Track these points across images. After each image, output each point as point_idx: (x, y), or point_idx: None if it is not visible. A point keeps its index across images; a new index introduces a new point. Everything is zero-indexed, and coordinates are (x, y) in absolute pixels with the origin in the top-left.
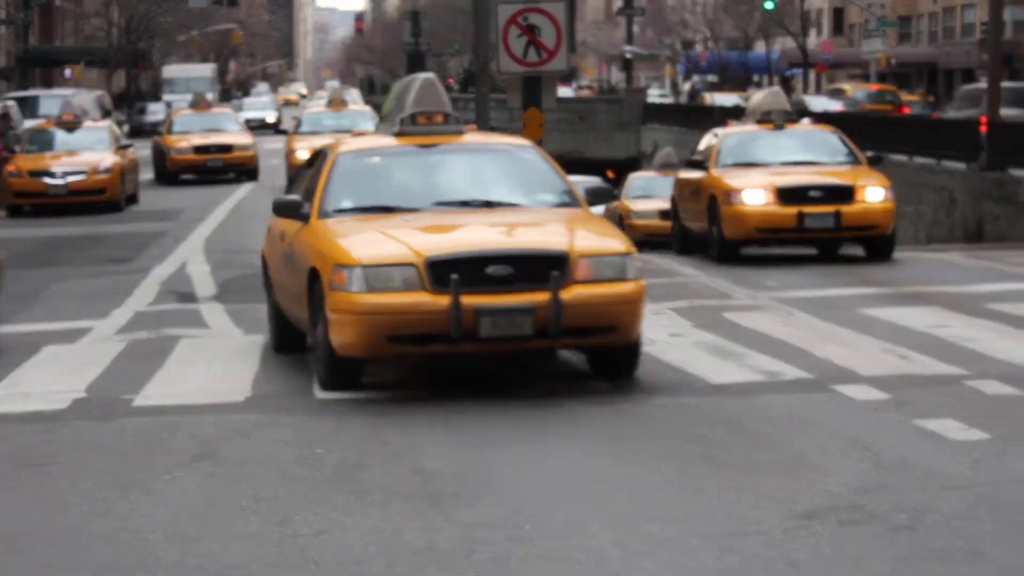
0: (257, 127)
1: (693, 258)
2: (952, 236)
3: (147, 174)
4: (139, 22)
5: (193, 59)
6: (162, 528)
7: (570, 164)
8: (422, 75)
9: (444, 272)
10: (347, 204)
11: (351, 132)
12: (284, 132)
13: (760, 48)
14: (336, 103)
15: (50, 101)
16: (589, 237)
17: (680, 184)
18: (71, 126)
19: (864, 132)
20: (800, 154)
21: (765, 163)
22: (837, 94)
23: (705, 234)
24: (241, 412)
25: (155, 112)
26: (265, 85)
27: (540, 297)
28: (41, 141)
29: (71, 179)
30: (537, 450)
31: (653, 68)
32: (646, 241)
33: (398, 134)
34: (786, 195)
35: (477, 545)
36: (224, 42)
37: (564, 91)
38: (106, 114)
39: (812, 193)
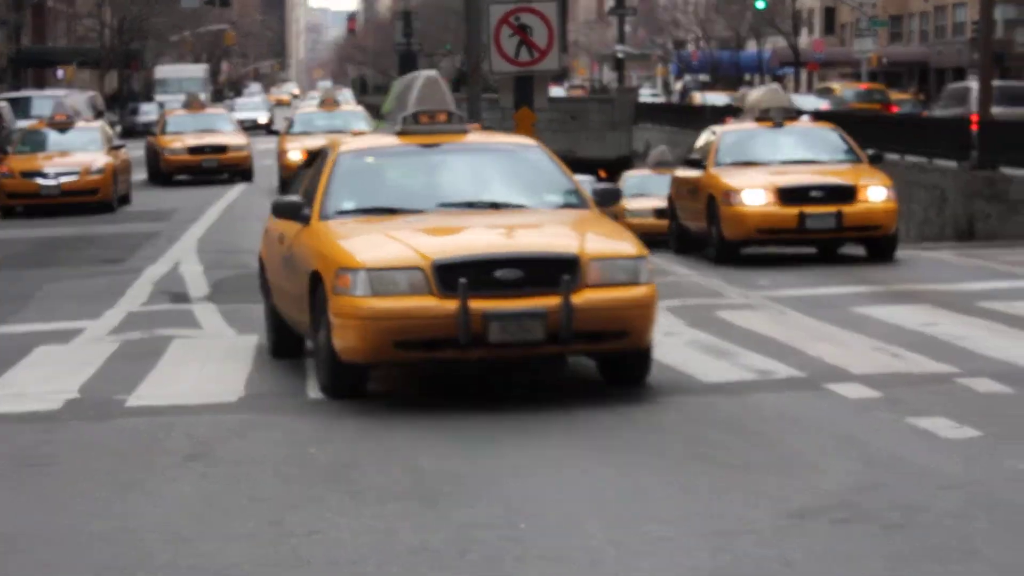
0: (249, 128)
1: (689, 257)
2: (943, 234)
3: (140, 175)
4: (132, 23)
5: (185, 59)
6: (159, 528)
7: None
8: (425, 72)
9: (452, 276)
10: (349, 205)
11: (343, 132)
12: (276, 133)
13: (752, 47)
14: (328, 103)
15: (42, 102)
16: (600, 239)
17: (677, 183)
18: (63, 127)
19: (854, 131)
20: (800, 152)
21: (764, 162)
22: (825, 93)
23: (704, 234)
24: (235, 412)
25: (147, 112)
26: (257, 85)
27: (551, 301)
28: (33, 142)
29: (63, 180)
30: (532, 450)
31: (645, 68)
32: (641, 240)
33: (400, 133)
34: (787, 195)
35: (471, 545)
36: (216, 43)
37: (556, 91)
38: (98, 115)
39: (813, 193)
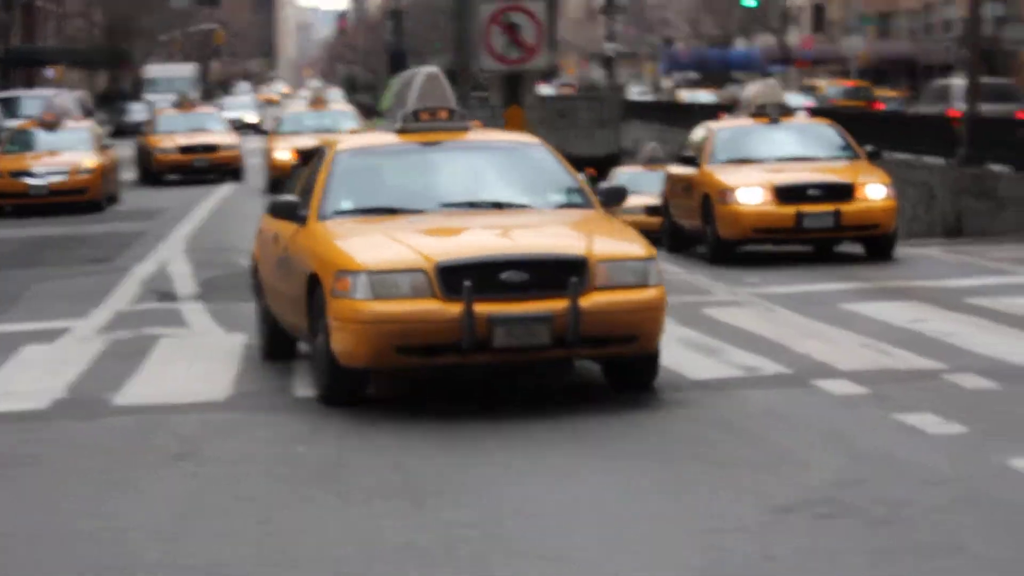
0: (238, 128)
1: (681, 255)
2: (932, 231)
3: (129, 174)
4: (121, 22)
5: (175, 59)
6: (146, 527)
7: None
8: (425, 69)
9: (455, 278)
10: (347, 205)
11: (332, 132)
12: (265, 132)
13: (741, 45)
14: (318, 102)
15: (32, 101)
16: (608, 241)
17: (671, 180)
18: (52, 126)
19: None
20: (796, 149)
21: (760, 159)
22: (809, 91)
23: (698, 232)
24: (222, 411)
25: (137, 112)
26: (247, 84)
27: (557, 305)
28: (22, 141)
29: (52, 179)
30: (519, 449)
31: (633, 65)
32: None
33: (400, 131)
34: (784, 194)
35: (458, 543)
36: (206, 42)
37: (545, 88)
38: (88, 114)
39: (811, 191)
